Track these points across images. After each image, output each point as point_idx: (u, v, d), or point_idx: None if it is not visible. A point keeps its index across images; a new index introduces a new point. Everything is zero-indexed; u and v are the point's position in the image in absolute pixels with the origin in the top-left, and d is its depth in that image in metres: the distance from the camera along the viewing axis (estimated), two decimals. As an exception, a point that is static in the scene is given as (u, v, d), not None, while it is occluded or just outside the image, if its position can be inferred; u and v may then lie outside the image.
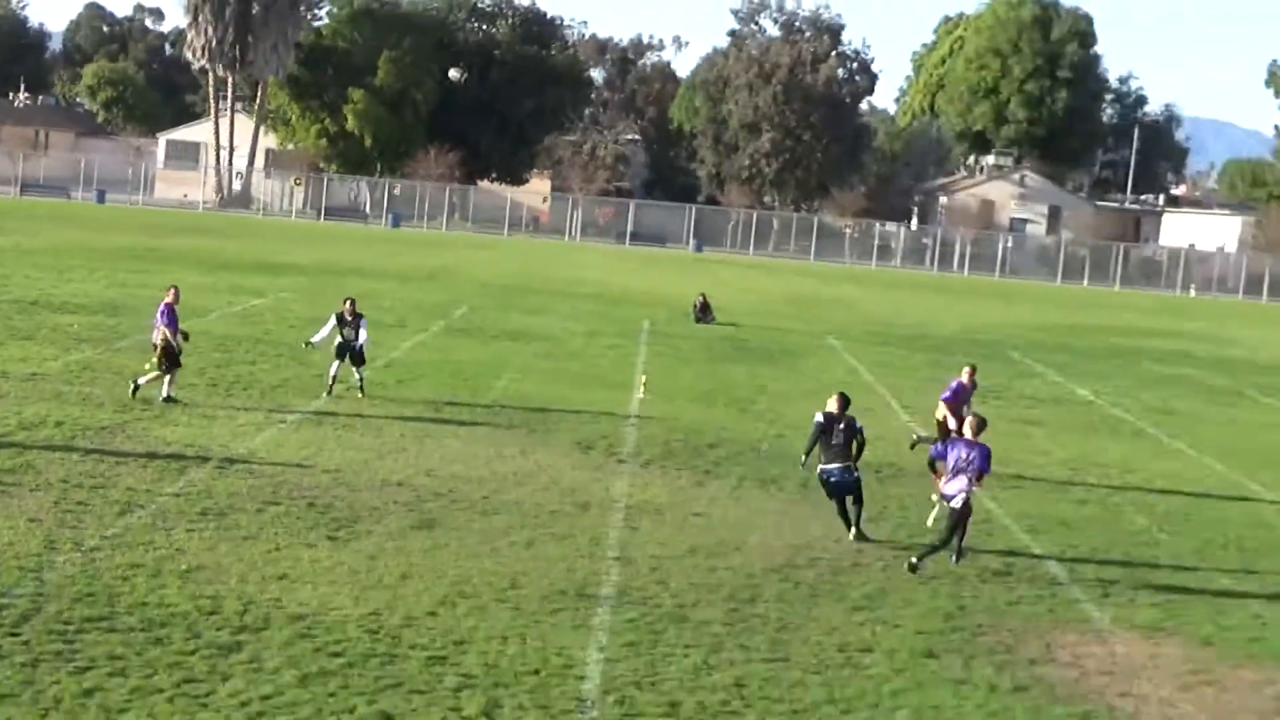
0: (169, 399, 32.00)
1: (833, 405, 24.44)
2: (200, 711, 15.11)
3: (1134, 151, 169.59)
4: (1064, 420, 40.98)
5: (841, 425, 24.19)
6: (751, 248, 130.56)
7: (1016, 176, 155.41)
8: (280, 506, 23.71)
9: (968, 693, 17.42)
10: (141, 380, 32.50)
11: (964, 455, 22.87)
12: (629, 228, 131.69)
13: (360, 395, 34.61)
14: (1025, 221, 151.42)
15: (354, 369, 34.80)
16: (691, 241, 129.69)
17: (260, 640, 17.34)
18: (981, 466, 22.85)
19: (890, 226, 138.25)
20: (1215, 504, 30.60)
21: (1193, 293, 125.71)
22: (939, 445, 24.46)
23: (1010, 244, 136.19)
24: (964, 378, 31.79)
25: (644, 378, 40.98)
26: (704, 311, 60.60)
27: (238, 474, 25.86)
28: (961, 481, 22.78)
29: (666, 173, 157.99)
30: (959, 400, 31.09)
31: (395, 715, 15.41)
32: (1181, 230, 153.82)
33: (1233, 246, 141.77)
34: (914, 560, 22.72)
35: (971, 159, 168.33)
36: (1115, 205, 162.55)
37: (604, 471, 28.61)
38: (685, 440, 32.62)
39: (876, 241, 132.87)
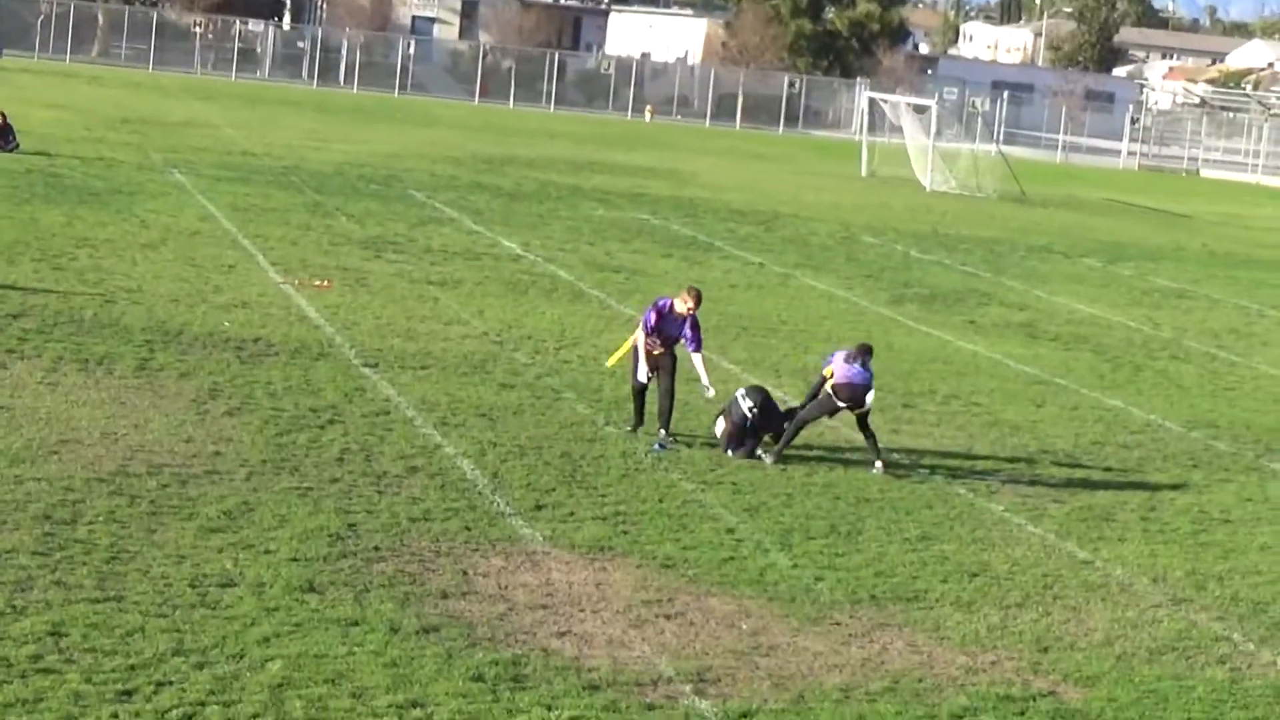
0: None
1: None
2: None
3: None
4: (484, 280, 41.51)
5: None
6: (68, 51, 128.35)
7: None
8: None
9: (361, 636, 17.52)
10: None
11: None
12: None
13: None
14: (432, 21, 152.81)
15: None
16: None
17: None
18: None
19: (255, 26, 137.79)
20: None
21: (648, 117, 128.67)
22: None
23: (413, 51, 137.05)
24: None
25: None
26: (3, 136, 59.34)
27: None
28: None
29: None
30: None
31: None
32: (633, 36, 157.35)
33: (697, 57, 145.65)
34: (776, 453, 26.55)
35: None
36: (548, 2, 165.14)
37: None
38: (-20, 309, 32.01)
39: (237, 45, 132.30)
